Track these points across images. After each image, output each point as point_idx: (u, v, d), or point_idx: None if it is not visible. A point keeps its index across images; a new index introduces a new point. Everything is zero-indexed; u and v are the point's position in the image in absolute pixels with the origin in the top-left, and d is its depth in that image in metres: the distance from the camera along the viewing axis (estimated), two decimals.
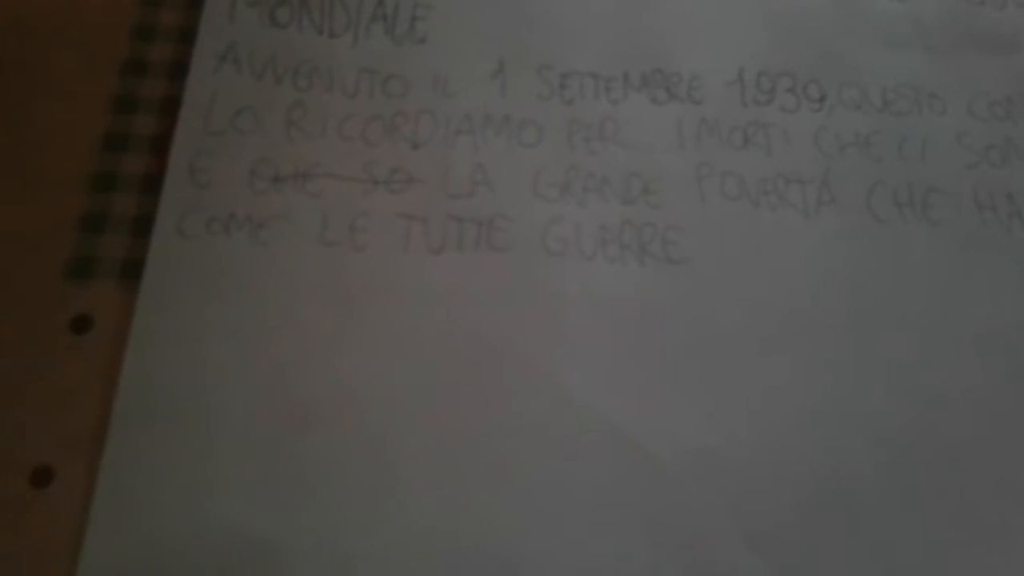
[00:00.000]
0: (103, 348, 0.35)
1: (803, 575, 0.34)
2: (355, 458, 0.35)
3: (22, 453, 0.34)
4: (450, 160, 0.40)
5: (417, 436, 0.35)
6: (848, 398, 0.37)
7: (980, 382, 0.37)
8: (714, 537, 0.34)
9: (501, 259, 0.38)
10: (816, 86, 0.42)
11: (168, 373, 0.35)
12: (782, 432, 0.36)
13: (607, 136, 0.41)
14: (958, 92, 0.43)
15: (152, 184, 0.38)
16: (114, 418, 0.34)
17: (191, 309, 0.36)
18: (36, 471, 0.34)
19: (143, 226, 0.37)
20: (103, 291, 0.36)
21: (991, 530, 0.35)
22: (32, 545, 0.33)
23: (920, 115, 0.42)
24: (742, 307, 0.38)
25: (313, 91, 0.40)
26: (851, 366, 0.37)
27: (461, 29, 0.42)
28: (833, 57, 0.43)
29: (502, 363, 0.36)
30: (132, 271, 0.36)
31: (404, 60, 0.41)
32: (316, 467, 0.34)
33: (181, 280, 0.36)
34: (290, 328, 0.36)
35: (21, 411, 0.34)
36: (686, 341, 0.37)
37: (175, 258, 0.36)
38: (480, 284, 0.38)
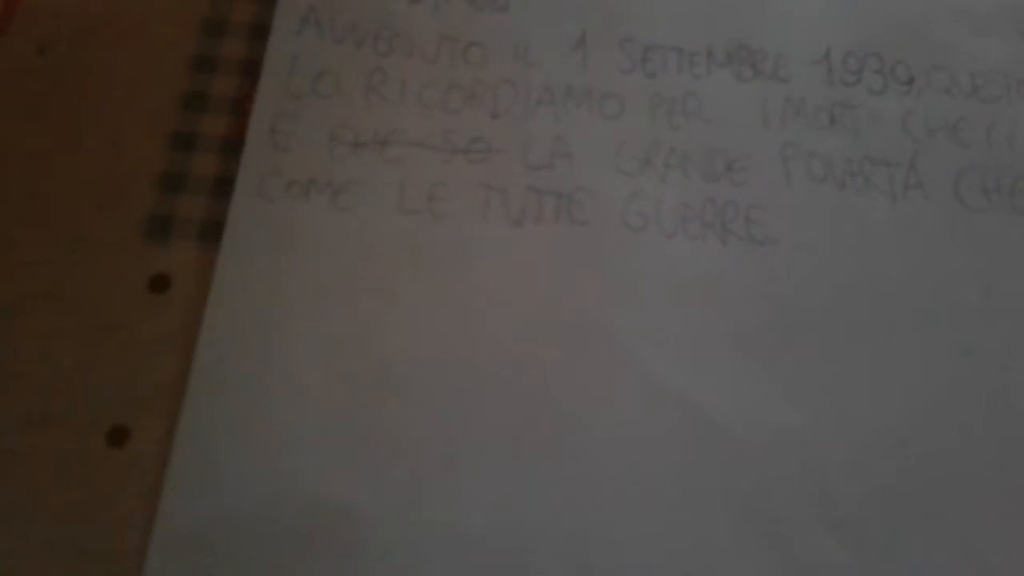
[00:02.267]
0: (181, 308, 0.35)
1: (883, 559, 0.33)
2: (431, 426, 0.34)
3: (99, 412, 0.33)
4: (530, 131, 0.38)
5: (494, 407, 0.34)
6: (929, 384, 0.35)
7: None
8: (794, 520, 0.33)
9: (580, 233, 0.37)
10: (904, 68, 0.41)
11: (246, 335, 0.34)
12: (863, 416, 0.35)
13: (690, 111, 0.39)
14: None
15: (231, 146, 0.37)
16: (192, 379, 0.33)
17: (270, 272, 0.35)
18: (112, 430, 0.33)
19: (223, 187, 0.36)
20: (182, 251, 0.36)
21: None
22: (108, 503, 0.32)
23: (1009, 102, 0.40)
24: (825, 290, 0.37)
25: (393, 56, 0.39)
26: (934, 352, 0.36)
27: None
28: (922, 39, 0.41)
29: (579, 337, 0.35)
30: (211, 232, 0.36)
31: (485, 28, 0.40)
32: (393, 432, 0.33)
33: (260, 242, 0.35)
34: (368, 294, 0.35)
35: (98, 369, 0.34)
36: (767, 322, 0.36)
37: (255, 220, 0.36)
38: (559, 257, 0.36)
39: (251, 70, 0.38)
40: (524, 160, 0.38)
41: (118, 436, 0.33)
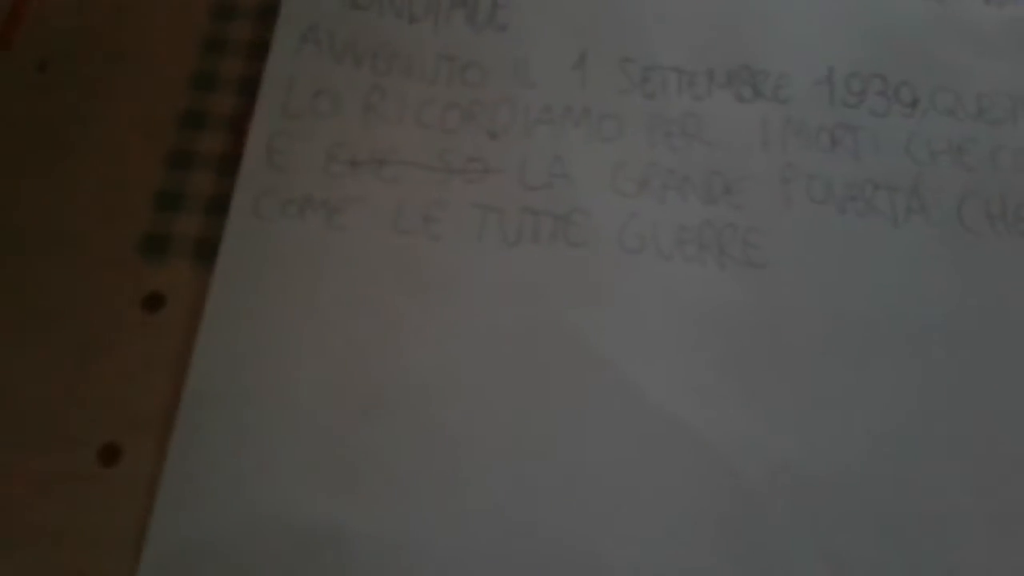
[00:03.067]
0: (175, 327, 0.35)
1: None
2: (424, 448, 0.33)
3: (91, 430, 0.33)
4: (528, 151, 0.38)
5: (486, 429, 0.34)
6: (934, 415, 0.35)
7: None
8: (786, 546, 0.33)
9: (577, 254, 0.36)
10: (908, 89, 0.40)
11: (240, 355, 0.34)
12: (859, 443, 0.34)
13: (689, 133, 0.39)
14: None
15: (228, 164, 0.37)
16: (184, 398, 0.33)
17: (265, 291, 0.35)
18: (104, 448, 0.33)
19: (219, 206, 0.36)
20: (177, 269, 0.35)
21: None
22: (99, 522, 0.32)
23: (1015, 124, 0.40)
24: (823, 315, 0.36)
25: (392, 76, 0.39)
26: (937, 381, 0.35)
27: (543, 18, 0.40)
28: (927, 60, 0.40)
29: (574, 360, 0.35)
30: (206, 251, 0.35)
31: (484, 47, 0.40)
32: (385, 455, 0.33)
33: (256, 262, 0.35)
34: (362, 315, 0.35)
35: (91, 387, 0.34)
36: (764, 348, 0.35)
37: (250, 240, 0.36)
38: (554, 279, 0.36)
39: (250, 88, 0.38)
40: (521, 180, 0.38)
41: (110, 455, 0.33)
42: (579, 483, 0.33)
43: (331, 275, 0.35)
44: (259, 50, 0.39)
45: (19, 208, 0.36)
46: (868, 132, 0.39)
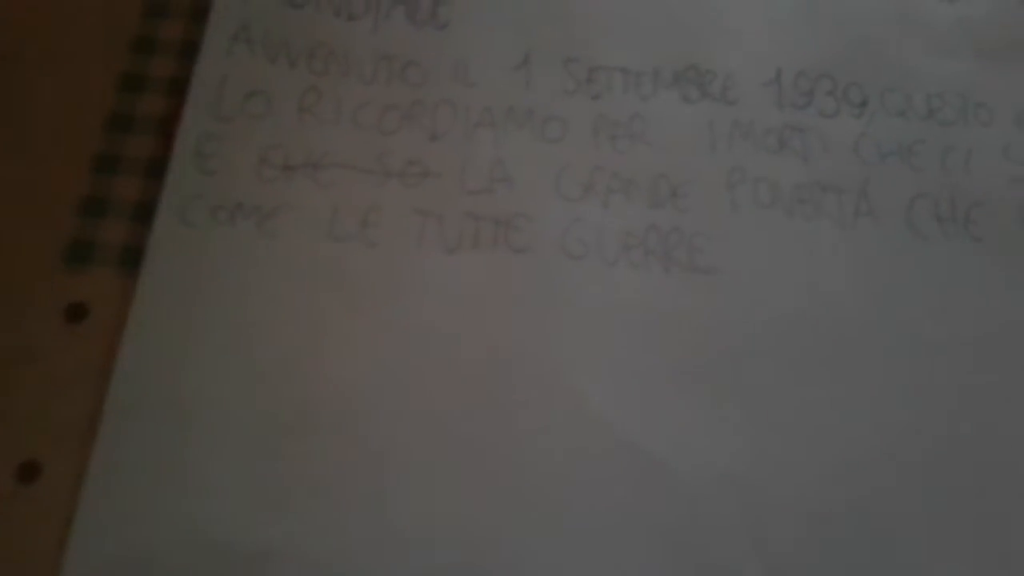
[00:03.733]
0: (98, 338, 0.33)
1: None
2: (355, 464, 0.32)
3: (10, 446, 0.32)
4: (468, 154, 0.37)
5: (422, 442, 0.33)
6: (879, 419, 0.34)
7: (1021, 405, 0.34)
8: (731, 559, 0.32)
9: (519, 260, 0.35)
10: (858, 90, 0.39)
11: (164, 367, 0.33)
12: (807, 453, 0.33)
13: (635, 134, 0.38)
14: (1007, 102, 0.39)
15: (157, 168, 0.35)
16: (106, 412, 0.32)
17: (191, 301, 0.34)
18: (23, 465, 0.32)
19: (145, 212, 0.35)
20: (101, 278, 0.34)
21: None
22: (16, 542, 0.31)
23: (966, 125, 0.39)
24: (771, 321, 0.35)
25: (328, 76, 0.37)
26: (883, 385, 0.34)
27: (486, 16, 0.39)
28: (876, 60, 0.39)
29: (515, 369, 0.34)
30: (132, 259, 0.34)
31: (424, 46, 0.38)
32: (313, 469, 0.32)
33: (182, 270, 0.34)
34: (295, 324, 0.34)
35: (10, 402, 0.32)
36: (710, 354, 0.34)
37: (177, 247, 0.34)
38: (495, 286, 0.35)
39: (180, 89, 0.36)
40: (462, 184, 0.36)
41: (29, 471, 0.31)
42: (515, 493, 0.32)
43: (262, 284, 0.34)
44: (191, 50, 0.37)
45: None
46: (816, 133, 0.38)
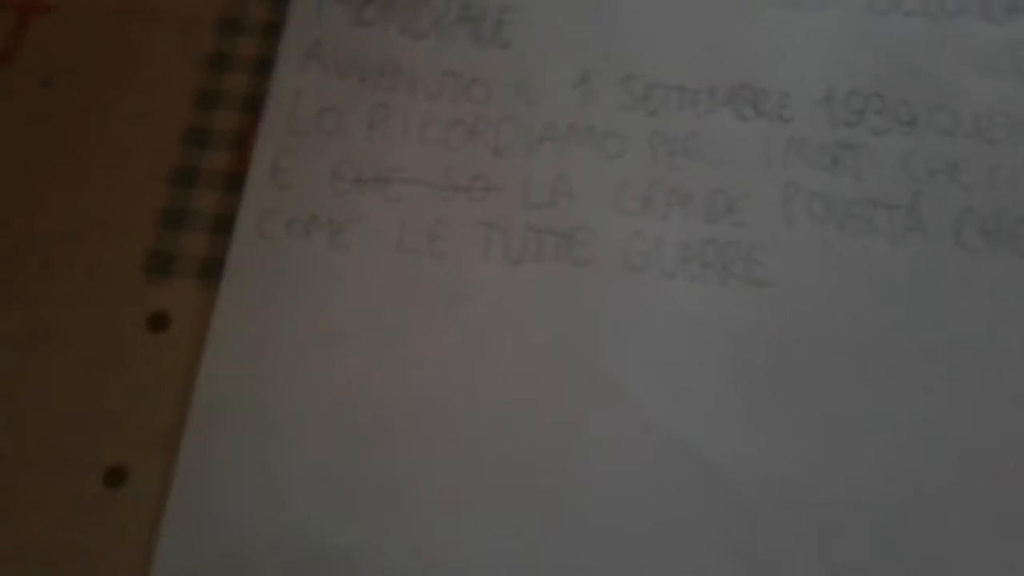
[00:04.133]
0: (180, 347, 0.34)
1: None
2: (431, 467, 0.33)
3: (97, 452, 0.33)
4: (531, 169, 0.38)
5: (491, 449, 0.34)
6: (932, 430, 0.35)
7: None
8: (793, 564, 0.33)
9: (580, 273, 0.36)
10: (906, 108, 0.40)
11: (245, 375, 0.34)
12: (863, 463, 0.34)
13: (691, 151, 0.39)
14: None
15: (233, 182, 0.36)
16: (190, 419, 0.33)
17: (270, 311, 0.35)
18: (110, 470, 0.32)
19: (223, 224, 0.36)
20: (181, 289, 0.35)
21: None
22: (105, 546, 0.31)
23: (1012, 143, 0.40)
24: (826, 333, 0.36)
25: (396, 93, 0.38)
26: (935, 398, 0.35)
27: (546, 35, 0.40)
28: (925, 79, 0.40)
29: (578, 379, 0.35)
30: (211, 270, 0.35)
31: (488, 64, 0.39)
32: (393, 473, 0.33)
33: (260, 282, 0.35)
34: (368, 334, 0.35)
35: (97, 409, 0.33)
36: (766, 364, 0.35)
37: (255, 259, 0.35)
38: (558, 297, 0.36)
39: (254, 105, 0.38)
40: (525, 198, 0.37)
41: (116, 477, 0.32)
42: (584, 504, 0.33)
43: (336, 294, 0.35)
44: (264, 66, 0.38)
45: (22, 227, 0.36)
46: (867, 151, 0.39)
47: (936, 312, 0.37)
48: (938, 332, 0.36)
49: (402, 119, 0.38)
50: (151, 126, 0.37)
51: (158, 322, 0.34)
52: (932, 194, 0.39)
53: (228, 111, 0.38)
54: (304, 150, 0.37)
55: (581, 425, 0.34)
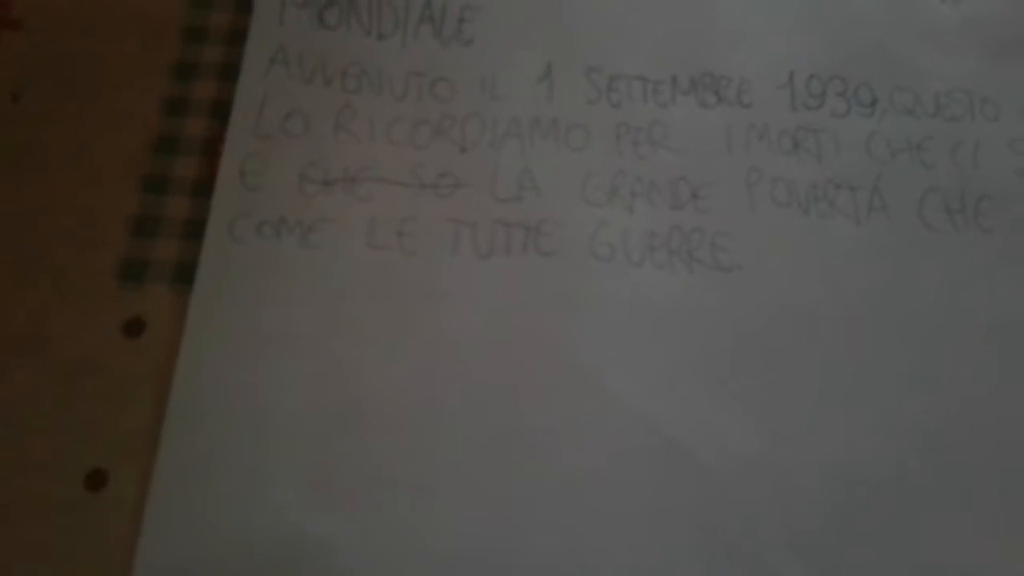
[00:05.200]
0: (156, 351, 0.34)
1: None
2: (405, 458, 0.33)
3: (77, 456, 0.33)
4: (497, 164, 0.38)
5: (465, 438, 0.34)
6: (895, 406, 0.35)
7: None
8: (760, 542, 0.33)
9: (548, 264, 0.36)
10: (867, 90, 0.40)
11: (220, 375, 0.34)
12: (828, 440, 0.34)
13: (655, 140, 0.39)
14: (1012, 97, 0.40)
15: (204, 187, 0.37)
16: (167, 421, 0.33)
17: (243, 313, 0.35)
18: (91, 474, 0.33)
19: (195, 229, 0.36)
20: (155, 294, 0.35)
21: None
22: (88, 548, 0.32)
23: (973, 120, 0.40)
24: (791, 315, 0.36)
25: (362, 94, 0.39)
26: (899, 376, 0.35)
27: (508, 31, 0.40)
28: (885, 60, 0.40)
29: (549, 368, 0.35)
30: (184, 275, 0.35)
31: (452, 62, 0.39)
32: (366, 468, 0.33)
33: (233, 284, 0.35)
34: (339, 331, 0.35)
35: (75, 414, 0.33)
36: (734, 348, 0.36)
37: (226, 262, 0.35)
38: (527, 289, 0.36)
39: (222, 111, 0.38)
40: (492, 193, 0.37)
41: (97, 480, 0.33)
42: (556, 487, 0.33)
43: (307, 293, 0.35)
44: (230, 73, 0.38)
45: None
46: (829, 134, 0.39)
47: (900, 291, 0.37)
48: (902, 311, 0.36)
49: (368, 119, 0.38)
50: (121, 135, 0.37)
51: (134, 328, 0.35)
52: (895, 174, 0.39)
53: (196, 118, 0.38)
54: (272, 153, 0.37)
55: (552, 412, 0.34)
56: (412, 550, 0.32)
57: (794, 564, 0.33)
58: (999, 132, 0.39)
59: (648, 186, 0.38)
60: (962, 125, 0.40)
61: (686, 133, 0.39)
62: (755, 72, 0.40)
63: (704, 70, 0.40)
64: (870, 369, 0.35)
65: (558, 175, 0.38)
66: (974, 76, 0.40)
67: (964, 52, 0.41)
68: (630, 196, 0.38)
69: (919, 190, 0.38)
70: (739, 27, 0.41)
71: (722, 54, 0.40)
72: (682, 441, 0.34)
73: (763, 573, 0.32)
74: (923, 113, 0.40)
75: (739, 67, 0.40)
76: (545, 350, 0.35)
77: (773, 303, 0.36)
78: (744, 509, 0.33)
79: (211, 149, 0.37)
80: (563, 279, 0.36)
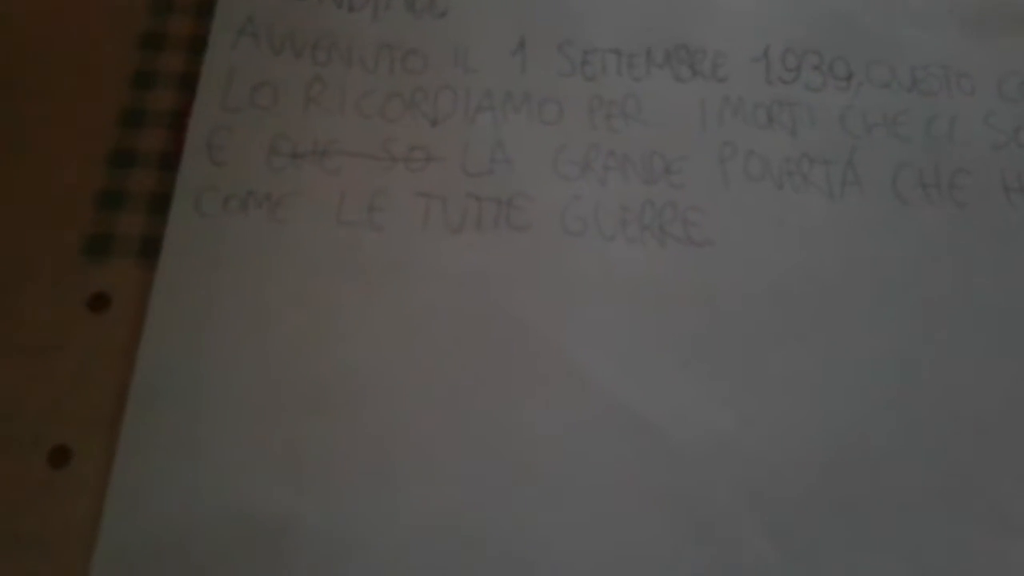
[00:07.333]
0: (121, 327, 0.33)
1: (818, 559, 0.31)
2: (365, 440, 0.32)
3: (40, 433, 0.32)
4: (469, 137, 0.36)
5: (431, 417, 0.33)
6: (868, 383, 0.34)
7: (1003, 368, 0.34)
8: (731, 521, 0.32)
9: (520, 238, 0.35)
10: (843, 64, 0.38)
11: (185, 352, 0.32)
12: (801, 417, 0.33)
13: (629, 114, 0.37)
14: (988, 71, 0.39)
15: (170, 161, 0.35)
16: (131, 397, 0.32)
17: (208, 288, 0.33)
18: (54, 450, 0.31)
19: (161, 203, 0.34)
20: (121, 269, 0.34)
21: (1014, 517, 0.32)
22: (51, 525, 0.31)
23: (949, 95, 0.38)
24: (764, 290, 0.35)
25: (332, 66, 0.37)
26: (872, 350, 0.34)
27: (482, 3, 0.38)
28: (861, 34, 0.39)
29: (519, 344, 0.34)
30: (150, 249, 0.34)
31: (424, 34, 0.38)
32: (331, 446, 0.32)
33: (199, 259, 0.34)
34: (307, 307, 0.33)
35: (39, 390, 0.32)
36: (707, 324, 0.34)
37: (193, 236, 0.34)
38: (498, 264, 0.35)
39: (189, 84, 0.36)
40: (463, 167, 0.36)
41: (60, 457, 0.31)
42: (524, 467, 0.32)
43: (275, 269, 0.34)
44: (198, 45, 0.37)
45: None
46: (804, 107, 0.38)
47: (874, 266, 0.35)
48: (876, 286, 0.35)
49: (339, 92, 0.37)
50: (87, 108, 0.36)
51: (98, 302, 0.33)
52: (869, 148, 0.37)
53: (164, 90, 0.36)
54: (239, 126, 0.35)
55: (522, 388, 0.33)
56: (375, 528, 0.31)
57: (765, 544, 0.31)
58: (975, 107, 0.38)
59: (621, 160, 0.36)
60: (938, 99, 0.38)
61: (660, 107, 0.37)
62: (730, 45, 0.38)
63: (679, 43, 0.38)
64: (844, 344, 0.34)
65: (531, 149, 0.36)
66: (951, 50, 0.39)
67: (941, 26, 0.39)
68: (603, 170, 0.36)
69: (894, 164, 0.37)
70: (714, 0, 0.39)
71: (697, 27, 0.38)
72: (650, 419, 0.33)
73: (733, 553, 0.31)
74: (899, 87, 0.38)
75: (714, 40, 0.38)
76: (516, 325, 0.34)
77: (746, 278, 0.35)
78: (715, 489, 0.32)
79: (179, 123, 0.36)
80: (535, 253, 0.35)
